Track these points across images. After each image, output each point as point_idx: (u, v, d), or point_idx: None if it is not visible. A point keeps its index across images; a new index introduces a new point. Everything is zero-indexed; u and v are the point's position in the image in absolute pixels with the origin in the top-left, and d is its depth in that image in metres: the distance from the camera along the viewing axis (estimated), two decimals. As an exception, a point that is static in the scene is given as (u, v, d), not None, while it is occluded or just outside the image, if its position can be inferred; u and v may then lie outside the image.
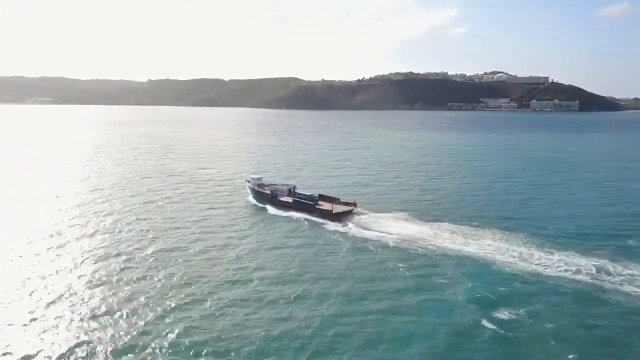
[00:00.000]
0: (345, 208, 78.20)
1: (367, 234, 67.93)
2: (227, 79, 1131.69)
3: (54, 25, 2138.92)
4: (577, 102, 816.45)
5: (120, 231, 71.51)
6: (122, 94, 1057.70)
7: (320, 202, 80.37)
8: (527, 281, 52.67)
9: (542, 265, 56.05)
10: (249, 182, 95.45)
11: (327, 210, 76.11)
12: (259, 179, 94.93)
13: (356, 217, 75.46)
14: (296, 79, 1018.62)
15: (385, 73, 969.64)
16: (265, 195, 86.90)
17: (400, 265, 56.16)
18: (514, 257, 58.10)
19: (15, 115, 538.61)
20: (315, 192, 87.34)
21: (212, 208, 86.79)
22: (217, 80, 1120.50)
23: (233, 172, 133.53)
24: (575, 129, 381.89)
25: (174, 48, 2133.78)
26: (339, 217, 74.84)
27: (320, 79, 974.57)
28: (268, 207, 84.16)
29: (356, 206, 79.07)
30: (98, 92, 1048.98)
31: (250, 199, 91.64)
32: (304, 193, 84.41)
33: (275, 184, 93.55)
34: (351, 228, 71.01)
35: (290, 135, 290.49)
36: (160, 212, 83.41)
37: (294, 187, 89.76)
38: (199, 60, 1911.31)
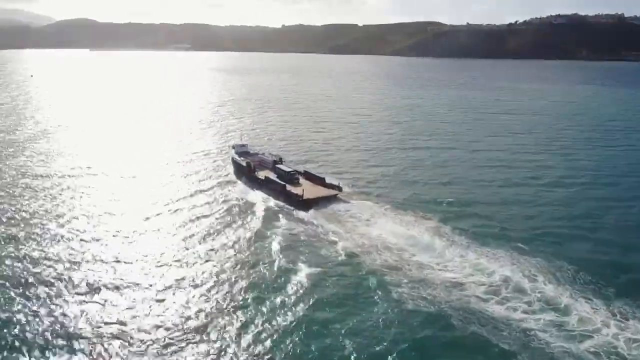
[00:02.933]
0: (323, 193, 64.63)
1: (324, 233, 52.23)
2: (361, 24, 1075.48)
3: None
4: None
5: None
6: (256, 40, 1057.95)
7: (300, 182, 68.47)
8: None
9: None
10: (233, 148, 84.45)
11: (295, 195, 62.14)
12: (242, 145, 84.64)
13: (333, 206, 61.05)
14: (436, 23, 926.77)
15: (544, 15, 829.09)
16: (241, 167, 76.27)
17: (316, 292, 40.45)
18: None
19: (142, 61, 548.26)
20: (317, 168, 79.31)
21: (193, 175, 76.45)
22: (350, 26, 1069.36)
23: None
24: None
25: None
26: (310, 204, 60.71)
27: (464, 23, 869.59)
28: (240, 183, 72.97)
29: (341, 191, 64.88)
30: (233, 39, 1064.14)
31: (230, 171, 79.24)
32: (283, 168, 72.45)
33: (260, 154, 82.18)
34: (313, 222, 56.12)
35: (418, 90, 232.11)
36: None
37: (280, 159, 78.60)
38: (333, 3, 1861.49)
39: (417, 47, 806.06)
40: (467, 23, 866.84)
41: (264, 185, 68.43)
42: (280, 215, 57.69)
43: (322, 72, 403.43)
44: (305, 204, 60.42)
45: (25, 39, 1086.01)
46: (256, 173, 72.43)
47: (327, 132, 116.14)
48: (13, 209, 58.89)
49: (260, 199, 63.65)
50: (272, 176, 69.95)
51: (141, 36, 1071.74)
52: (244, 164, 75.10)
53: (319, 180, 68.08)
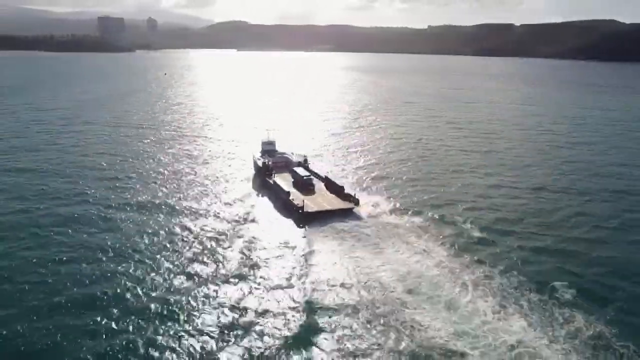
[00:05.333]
0: (332, 205, 56.74)
1: (300, 259, 44.14)
2: (517, 24, 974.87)
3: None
4: None
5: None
6: (400, 41, 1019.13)
7: (315, 189, 62.40)
8: None
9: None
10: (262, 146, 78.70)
11: (295, 206, 55.16)
12: (269, 143, 76.69)
13: (339, 222, 52.22)
14: (609, 21, 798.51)
15: None
16: (258, 167, 70.83)
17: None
18: None
19: (283, 61, 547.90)
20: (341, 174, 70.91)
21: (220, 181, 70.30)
22: (504, 26, 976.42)
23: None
24: None
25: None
26: (311, 217, 53.26)
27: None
28: (250, 184, 68.01)
29: (357, 204, 56.58)
30: (376, 40, 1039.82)
31: (252, 173, 73.06)
32: (298, 172, 65.35)
33: (287, 153, 74.98)
34: (299, 241, 48.32)
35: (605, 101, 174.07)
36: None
37: (305, 159, 72.07)
38: (485, 3, 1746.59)
39: (586, 50, 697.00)
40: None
41: (272, 189, 64.00)
42: (263, 229, 50.80)
43: (464, 76, 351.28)
44: (305, 217, 53.29)
45: (185, 40, 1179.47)
46: (272, 174, 67.61)
47: (418, 142, 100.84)
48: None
49: (257, 206, 58.78)
50: (286, 179, 65.58)
51: (287, 37, 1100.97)
52: (260, 164, 71.23)
53: (337, 190, 61.32)
